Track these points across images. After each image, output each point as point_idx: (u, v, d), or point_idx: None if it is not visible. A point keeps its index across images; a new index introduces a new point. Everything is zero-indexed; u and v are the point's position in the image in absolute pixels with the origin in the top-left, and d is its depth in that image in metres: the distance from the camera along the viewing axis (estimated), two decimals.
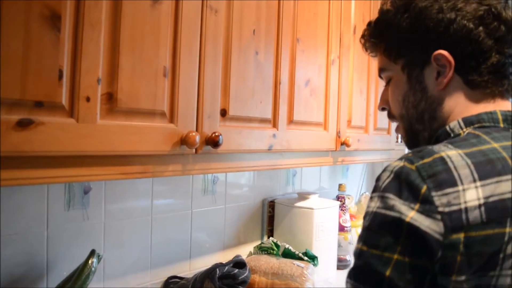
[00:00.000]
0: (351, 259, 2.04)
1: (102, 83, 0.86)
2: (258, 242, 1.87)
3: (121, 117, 0.90)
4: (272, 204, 1.93)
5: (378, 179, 0.68)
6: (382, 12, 0.85)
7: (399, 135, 2.36)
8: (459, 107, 0.76)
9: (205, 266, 1.58)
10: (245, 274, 1.48)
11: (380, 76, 0.91)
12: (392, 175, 0.65)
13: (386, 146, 2.03)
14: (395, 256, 0.61)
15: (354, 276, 0.65)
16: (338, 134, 1.64)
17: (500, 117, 0.72)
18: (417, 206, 0.61)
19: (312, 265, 1.66)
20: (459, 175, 0.61)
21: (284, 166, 1.41)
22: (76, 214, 1.25)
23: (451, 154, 0.64)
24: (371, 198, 0.67)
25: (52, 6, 0.78)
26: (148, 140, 0.95)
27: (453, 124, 0.75)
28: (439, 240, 0.59)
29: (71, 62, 0.81)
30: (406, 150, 2.62)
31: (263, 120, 1.27)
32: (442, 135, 0.77)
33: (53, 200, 1.19)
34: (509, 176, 0.62)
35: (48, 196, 1.18)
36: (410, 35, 0.79)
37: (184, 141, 1.00)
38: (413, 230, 0.60)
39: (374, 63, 1.90)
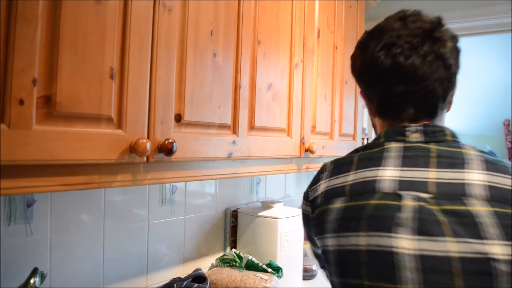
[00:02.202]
0: (317, 269, 1.99)
1: (38, 85, 0.77)
2: (221, 254, 1.80)
3: (61, 123, 0.82)
4: (235, 214, 1.86)
5: None
6: None
7: (365, 141, 2.33)
8: (378, 130, 0.97)
9: (163, 281, 1.50)
10: None
11: None
12: None
13: None
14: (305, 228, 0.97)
15: None
16: (302, 141, 1.59)
17: (382, 134, 0.89)
18: (305, 201, 0.94)
19: (276, 277, 1.60)
20: (323, 175, 0.92)
21: (245, 174, 1.35)
22: (18, 229, 1.14)
23: (328, 162, 0.95)
24: None
25: None
26: (93, 147, 0.86)
27: None
28: (310, 216, 0.90)
29: (3, 61, 0.73)
30: None
31: (222, 126, 1.21)
32: None
33: None
34: (344, 174, 0.86)
35: None
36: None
37: (133, 148, 0.92)
38: (304, 213, 0.95)
39: (339, 69, 1.86)
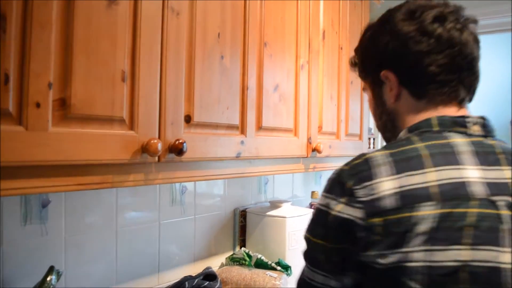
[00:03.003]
0: None
1: (54, 88, 0.81)
2: (230, 253, 1.82)
3: (75, 124, 0.85)
4: (243, 214, 1.89)
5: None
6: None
7: (371, 141, 2.35)
8: (409, 117, 0.85)
9: (174, 280, 1.52)
10: (216, 287, 1.43)
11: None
12: (331, 176, 0.79)
13: (358, 152, 2.01)
14: (323, 242, 0.76)
15: (304, 257, 0.83)
16: (309, 141, 1.61)
17: (435, 122, 0.80)
18: (344, 199, 0.73)
19: (285, 275, 1.62)
20: (379, 170, 0.73)
21: (254, 174, 1.37)
22: (33, 229, 1.17)
23: (377, 154, 0.76)
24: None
25: None
26: (106, 148, 0.89)
27: (402, 133, 0.84)
28: (360, 224, 0.71)
29: (19, 65, 0.76)
30: None
31: (230, 127, 1.23)
32: None
33: (8, 214, 1.12)
34: (420, 171, 0.72)
35: (2, 210, 1.11)
36: (367, 59, 0.92)
37: (145, 149, 0.95)
38: (338, 220, 0.73)
39: (344, 69, 1.88)
